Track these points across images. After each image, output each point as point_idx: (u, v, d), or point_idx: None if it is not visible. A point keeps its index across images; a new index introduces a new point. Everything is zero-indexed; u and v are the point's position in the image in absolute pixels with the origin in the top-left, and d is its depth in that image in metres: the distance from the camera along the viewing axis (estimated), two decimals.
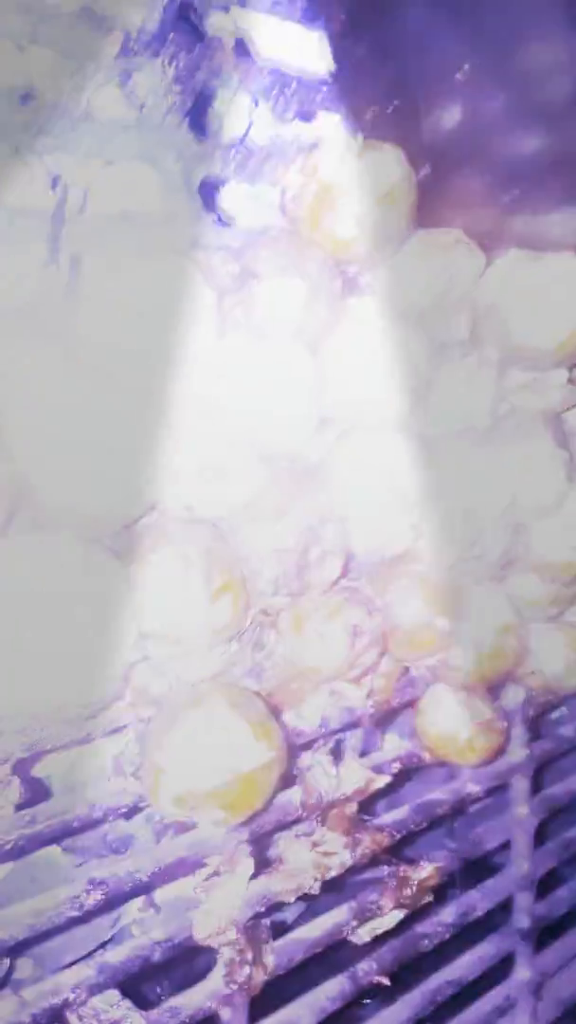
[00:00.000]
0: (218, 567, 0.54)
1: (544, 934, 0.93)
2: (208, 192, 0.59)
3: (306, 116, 0.64)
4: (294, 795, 0.68)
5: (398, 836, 0.76)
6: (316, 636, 0.62)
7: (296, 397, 0.60)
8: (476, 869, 0.86)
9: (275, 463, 0.60)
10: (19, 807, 0.55)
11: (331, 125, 0.63)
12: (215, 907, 0.64)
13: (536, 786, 0.90)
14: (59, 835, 0.58)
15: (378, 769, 0.72)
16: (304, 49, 0.63)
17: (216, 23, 0.59)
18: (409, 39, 0.58)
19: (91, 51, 0.54)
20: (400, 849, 0.78)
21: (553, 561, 0.73)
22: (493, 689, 0.77)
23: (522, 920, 0.90)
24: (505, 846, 0.88)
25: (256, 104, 0.61)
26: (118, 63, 0.55)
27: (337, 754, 0.71)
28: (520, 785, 0.88)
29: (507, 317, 0.67)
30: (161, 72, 0.56)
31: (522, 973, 0.91)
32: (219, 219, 0.60)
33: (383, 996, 0.79)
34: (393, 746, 0.76)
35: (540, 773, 0.91)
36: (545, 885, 0.94)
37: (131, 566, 0.52)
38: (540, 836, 0.91)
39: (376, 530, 0.65)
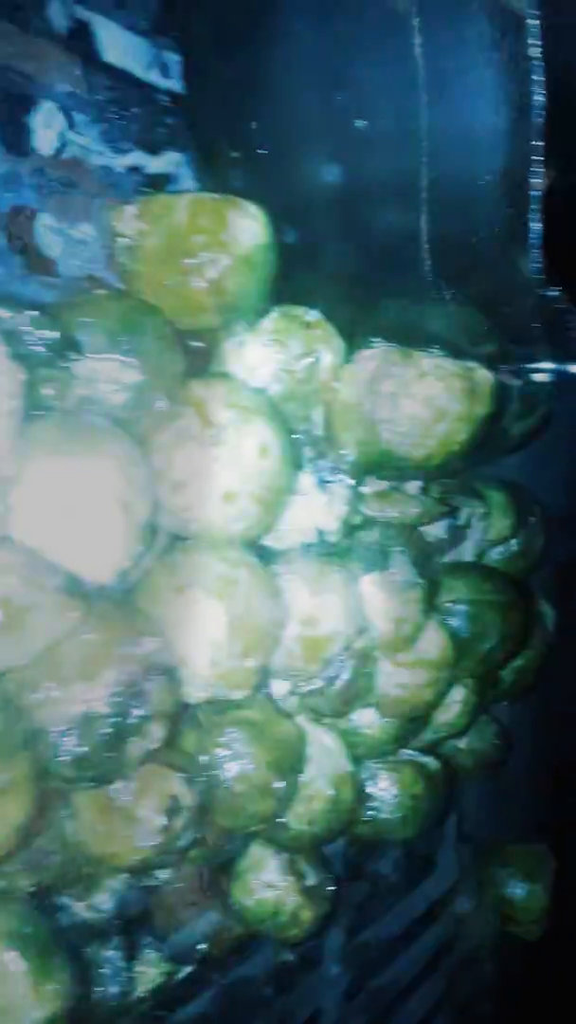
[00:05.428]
0: None
1: None
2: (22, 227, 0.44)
3: (150, 147, 0.51)
4: None
5: None
6: (124, 818, 0.48)
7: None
8: None
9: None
10: None
11: (180, 164, 0.51)
12: None
13: (349, 934, 0.79)
14: None
15: (180, 958, 0.59)
16: (152, 65, 0.50)
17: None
18: (292, 69, 0.47)
19: None
20: None
21: (400, 697, 0.63)
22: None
23: None
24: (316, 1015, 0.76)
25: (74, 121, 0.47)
26: None
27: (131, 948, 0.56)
28: (334, 941, 0.76)
29: (369, 418, 0.57)
30: None
31: None
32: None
33: None
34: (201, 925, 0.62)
35: (356, 918, 0.80)
36: None
37: None
38: (351, 989, 0.80)
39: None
